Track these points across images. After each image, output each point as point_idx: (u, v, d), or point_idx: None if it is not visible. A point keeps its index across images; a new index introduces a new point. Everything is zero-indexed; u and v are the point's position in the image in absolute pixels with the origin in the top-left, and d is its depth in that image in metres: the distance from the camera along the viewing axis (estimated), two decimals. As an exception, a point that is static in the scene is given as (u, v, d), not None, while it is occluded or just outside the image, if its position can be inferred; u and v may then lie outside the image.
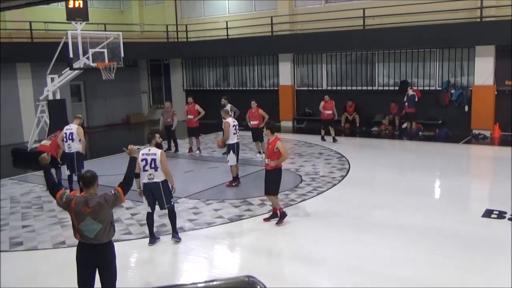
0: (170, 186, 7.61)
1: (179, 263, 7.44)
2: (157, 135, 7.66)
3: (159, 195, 7.47)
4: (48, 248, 7.73)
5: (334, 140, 15.79)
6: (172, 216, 7.71)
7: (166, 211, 7.78)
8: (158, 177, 7.40)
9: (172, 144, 15.01)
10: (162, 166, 7.37)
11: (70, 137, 10.32)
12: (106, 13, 23.99)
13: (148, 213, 7.62)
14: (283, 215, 8.37)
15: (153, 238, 7.72)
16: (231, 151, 10.83)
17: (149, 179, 7.40)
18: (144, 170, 7.39)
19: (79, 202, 4.94)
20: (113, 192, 5.11)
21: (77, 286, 5.07)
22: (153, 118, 23.53)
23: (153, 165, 7.34)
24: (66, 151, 10.44)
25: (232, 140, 10.84)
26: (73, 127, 10.39)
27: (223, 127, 10.89)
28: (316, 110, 19.53)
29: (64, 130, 10.46)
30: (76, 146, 10.36)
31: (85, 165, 13.50)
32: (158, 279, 6.63)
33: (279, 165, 8.28)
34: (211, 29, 21.24)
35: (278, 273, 6.71)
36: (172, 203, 7.66)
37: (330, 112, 15.75)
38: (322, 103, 15.87)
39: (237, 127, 11.05)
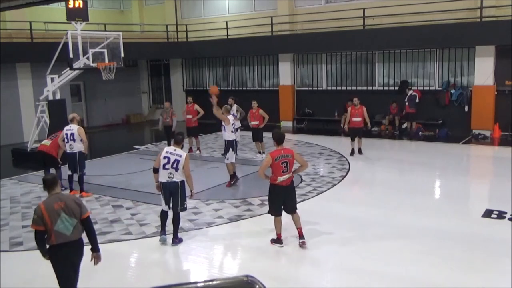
0: (190, 191, 7.68)
1: (179, 263, 7.44)
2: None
3: (177, 194, 7.51)
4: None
5: (360, 152, 13.75)
6: (176, 220, 7.69)
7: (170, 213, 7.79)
8: (178, 177, 7.47)
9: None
10: (185, 170, 7.47)
11: (72, 138, 10.31)
12: (106, 13, 23.98)
13: (163, 210, 7.68)
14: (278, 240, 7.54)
15: (164, 232, 7.76)
16: (231, 149, 10.83)
17: (168, 177, 7.45)
18: (164, 168, 7.44)
19: (48, 202, 5.11)
20: (84, 205, 5.32)
21: (78, 287, 5.10)
22: (153, 118, 23.54)
23: (174, 166, 7.40)
24: (68, 151, 10.42)
25: (230, 137, 10.89)
26: (73, 128, 10.37)
27: (223, 120, 10.87)
28: (317, 110, 19.66)
29: (65, 131, 10.42)
30: (78, 146, 10.36)
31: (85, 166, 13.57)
32: (158, 279, 6.62)
33: (271, 180, 7.39)
34: (211, 29, 21.24)
35: (278, 273, 6.71)
36: (185, 206, 7.70)
37: (360, 119, 13.36)
38: (349, 109, 13.76)
39: (235, 126, 11.19)
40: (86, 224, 5.25)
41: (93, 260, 5.40)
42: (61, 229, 5.06)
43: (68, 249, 5.15)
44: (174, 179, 7.46)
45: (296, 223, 7.44)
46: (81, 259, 5.32)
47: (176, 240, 7.72)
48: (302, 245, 7.30)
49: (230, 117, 11.12)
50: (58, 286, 5.71)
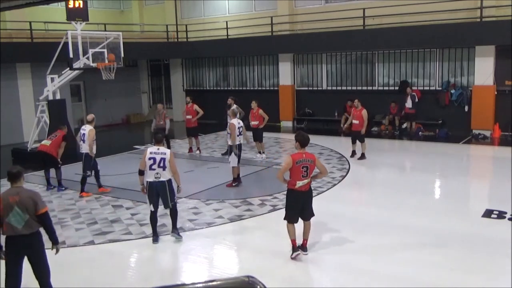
0: (176, 186, 7.72)
1: (179, 263, 7.44)
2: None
3: (165, 193, 7.57)
4: (48, 248, 7.67)
5: (362, 157, 13.24)
6: (174, 214, 7.82)
7: (167, 210, 7.85)
8: (165, 176, 7.52)
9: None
10: (171, 166, 7.50)
11: (83, 138, 10.49)
12: (106, 13, 23.98)
13: (151, 211, 7.72)
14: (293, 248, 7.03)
15: (156, 237, 7.81)
16: (233, 153, 10.79)
17: (155, 177, 7.49)
18: (151, 169, 7.47)
19: (6, 194, 5.32)
20: (43, 200, 5.47)
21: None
22: (153, 118, 23.52)
23: (161, 164, 7.44)
24: (80, 151, 10.64)
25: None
26: (86, 128, 10.52)
27: (228, 128, 10.82)
28: (317, 110, 19.66)
29: (81, 130, 10.68)
30: (86, 148, 10.46)
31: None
32: (158, 279, 6.63)
33: (289, 185, 6.97)
34: (211, 29, 21.24)
35: (278, 273, 6.70)
36: (176, 201, 7.83)
37: (357, 122, 12.99)
38: (352, 111, 13.40)
39: (242, 129, 11.02)
40: (42, 220, 5.39)
41: (54, 250, 5.66)
42: (12, 222, 5.23)
43: (18, 243, 5.31)
44: (161, 179, 7.50)
45: (305, 233, 7.09)
46: (38, 254, 5.46)
47: (177, 231, 7.83)
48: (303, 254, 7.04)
49: (235, 120, 10.99)
50: (56, 286, 5.73)
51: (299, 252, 6.95)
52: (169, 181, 7.58)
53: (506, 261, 6.62)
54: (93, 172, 10.65)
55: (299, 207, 6.95)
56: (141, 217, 8.97)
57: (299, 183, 6.79)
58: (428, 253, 7.07)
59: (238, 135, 10.85)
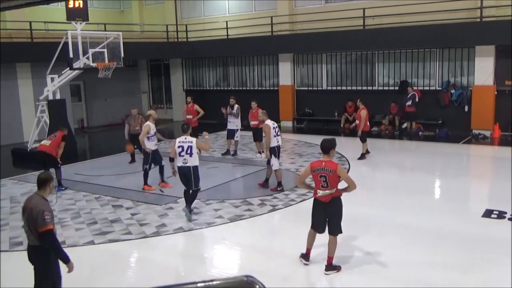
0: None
1: (179, 263, 7.44)
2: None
3: (190, 177, 8.55)
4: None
5: (362, 157, 13.29)
6: (193, 196, 8.75)
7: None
8: (191, 162, 8.50)
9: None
10: (201, 146, 8.67)
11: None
12: (106, 13, 23.98)
13: (184, 190, 8.78)
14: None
15: (188, 206, 8.76)
16: (273, 155, 10.25)
17: (183, 163, 8.51)
18: (180, 155, 8.50)
19: (27, 199, 5.24)
20: (44, 218, 4.96)
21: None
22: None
23: (188, 151, 8.47)
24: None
25: (273, 143, 10.19)
26: (144, 125, 10.79)
27: (263, 130, 10.44)
28: (317, 110, 19.68)
29: None
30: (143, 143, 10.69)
31: (84, 166, 13.63)
32: (158, 279, 6.62)
33: (313, 193, 6.67)
34: (211, 29, 21.24)
35: (278, 273, 6.71)
36: (199, 188, 8.78)
37: (358, 122, 13.25)
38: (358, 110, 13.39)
39: (277, 129, 10.33)
40: (42, 239, 4.98)
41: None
42: (25, 227, 5.20)
43: (28, 250, 5.25)
44: (188, 164, 8.48)
45: (328, 250, 6.61)
46: (36, 269, 5.23)
47: (187, 209, 8.66)
48: (325, 272, 6.57)
49: (269, 121, 10.31)
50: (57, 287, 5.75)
51: (308, 263, 6.78)
52: (195, 167, 8.51)
53: (506, 261, 6.62)
54: (151, 166, 10.89)
55: (321, 216, 6.63)
56: (141, 217, 8.97)
57: (320, 192, 6.52)
58: (427, 253, 7.07)
59: (275, 136, 10.21)
